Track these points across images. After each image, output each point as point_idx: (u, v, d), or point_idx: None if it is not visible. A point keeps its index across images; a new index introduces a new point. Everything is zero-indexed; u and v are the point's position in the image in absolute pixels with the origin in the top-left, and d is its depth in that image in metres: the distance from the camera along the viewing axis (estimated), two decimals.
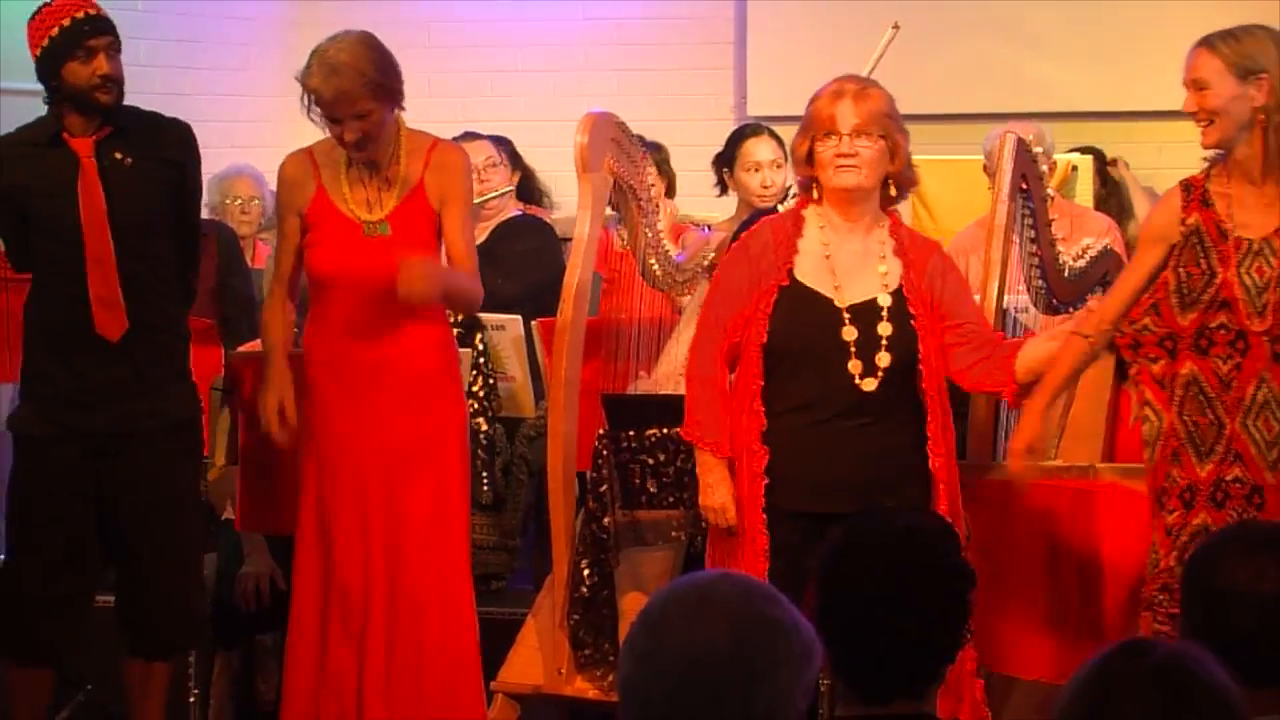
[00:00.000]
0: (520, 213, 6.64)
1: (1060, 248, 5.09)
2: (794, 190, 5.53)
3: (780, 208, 5.50)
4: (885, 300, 4.45)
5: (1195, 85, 4.23)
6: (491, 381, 5.75)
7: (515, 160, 6.87)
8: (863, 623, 2.80)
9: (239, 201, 7.10)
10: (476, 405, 5.71)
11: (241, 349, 5.51)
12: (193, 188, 5.06)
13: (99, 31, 4.77)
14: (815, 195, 4.55)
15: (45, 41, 4.75)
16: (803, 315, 4.46)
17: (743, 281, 4.52)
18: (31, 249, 4.90)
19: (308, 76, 4.69)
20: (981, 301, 4.86)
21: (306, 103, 4.73)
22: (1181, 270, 4.29)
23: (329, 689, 4.83)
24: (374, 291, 4.74)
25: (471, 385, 5.65)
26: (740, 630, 2.33)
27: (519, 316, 5.77)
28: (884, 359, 4.41)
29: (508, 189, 6.58)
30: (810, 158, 4.49)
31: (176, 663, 5.24)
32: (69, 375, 4.83)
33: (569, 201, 6.19)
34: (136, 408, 4.85)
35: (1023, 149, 4.96)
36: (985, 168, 6.24)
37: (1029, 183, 4.98)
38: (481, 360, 5.72)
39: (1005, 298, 4.96)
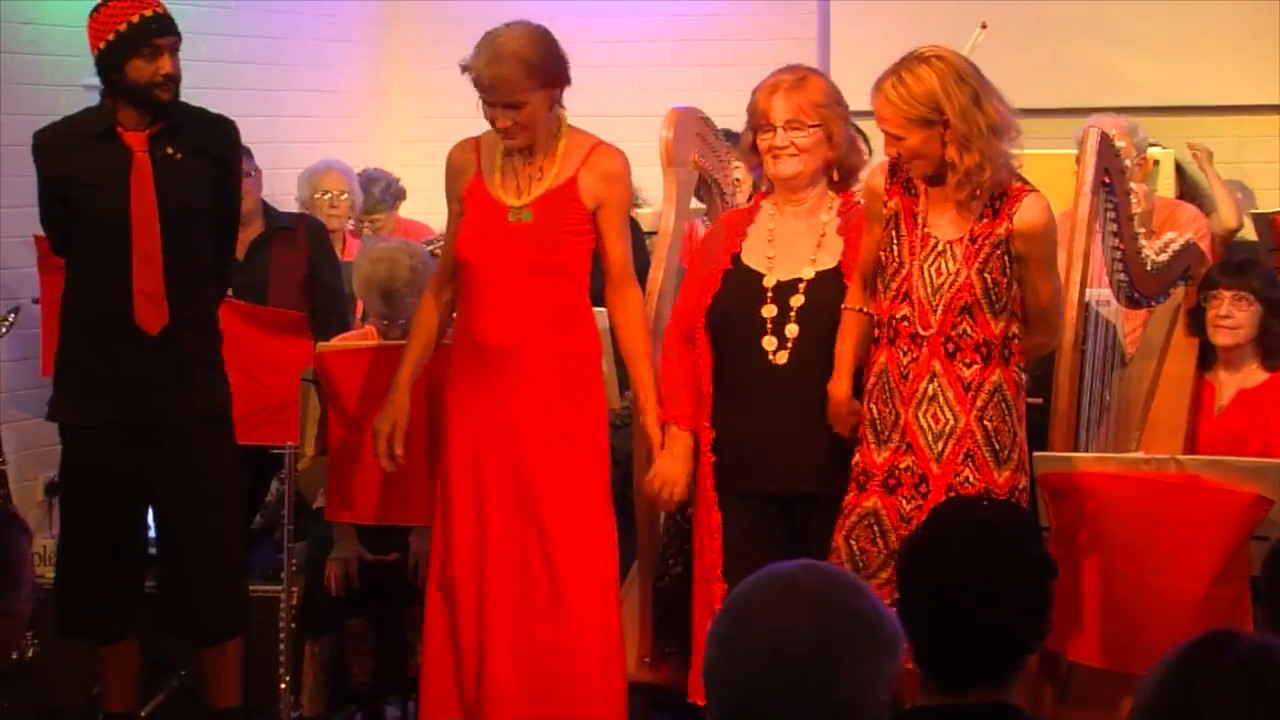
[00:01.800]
0: None
1: (1143, 241, 5.09)
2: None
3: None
4: (808, 274, 4.59)
5: (888, 134, 4.30)
6: None
7: None
8: (944, 613, 2.84)
9: (328, 196, 7.15)
10: None
11: (333, 341, 5.58)
12: (236, 184, 5.13)
13: (165, 31, 4.86)
14: (768, 183, 4.72)
15: (111, 36, 4.82)
16: (736, 295, 4.62)
17: (702, 269, 4.73)
18: (72, 238, 4.94)
19: (472, 59, 4.71)
20: (1065, 294, 4.86)
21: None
22: (883, 254, 4.40)
23: (464, 675, 4.84)
24: (510, 274, 4.78)
25: None
26: (824, 619, 2.35)
27: (604, 309, 5.81)
28: (792, 330, 4.55)
29: None
30: (755, 149, 4.65)
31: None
32: (108, 365, 4.89)
33: (654, 195, 6.23)
34: (174, 398, 4.91)
35: (1105, 143, 4.97)
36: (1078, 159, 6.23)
37: (1112, 177, 4.99)
38: None
39: (1087, 291, 4.96)
